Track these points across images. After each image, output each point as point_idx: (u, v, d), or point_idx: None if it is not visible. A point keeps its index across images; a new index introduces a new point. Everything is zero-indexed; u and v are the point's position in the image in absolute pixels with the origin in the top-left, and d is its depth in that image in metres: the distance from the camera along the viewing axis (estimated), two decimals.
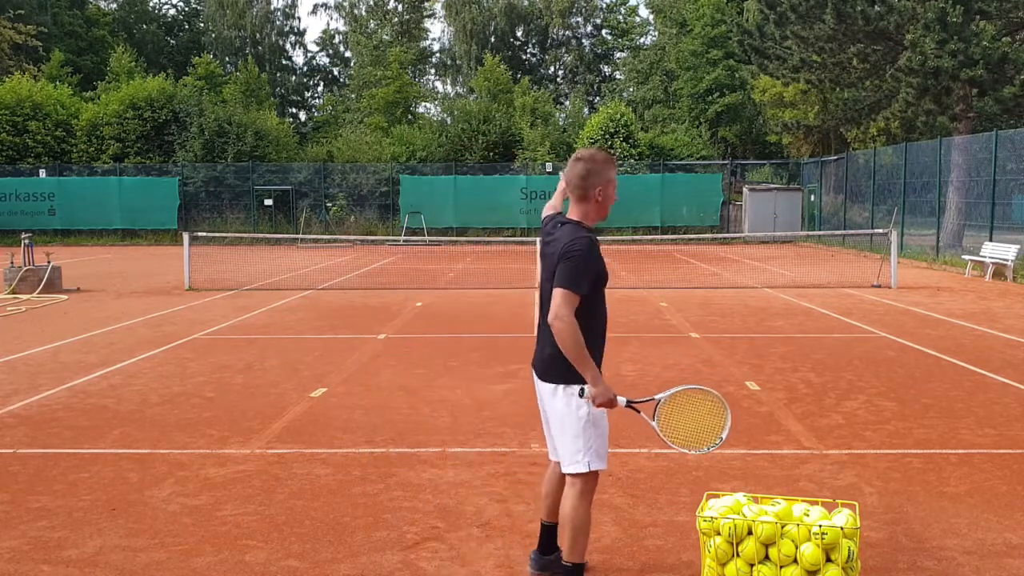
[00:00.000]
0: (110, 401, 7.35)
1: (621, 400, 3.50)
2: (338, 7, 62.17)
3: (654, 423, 3.65)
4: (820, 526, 3.37)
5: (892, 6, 21.05)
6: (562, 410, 3.59)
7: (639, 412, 3.65)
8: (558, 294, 3.41)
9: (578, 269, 3.42)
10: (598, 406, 3.46)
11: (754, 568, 3.43)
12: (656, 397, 3.69)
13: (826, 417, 6.67)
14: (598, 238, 3.66)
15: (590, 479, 3.61)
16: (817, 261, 21.93)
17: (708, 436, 3.67)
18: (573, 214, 3.65)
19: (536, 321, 11.93)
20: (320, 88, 63.29)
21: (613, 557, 4.14)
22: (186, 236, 16.84)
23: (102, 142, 34.46)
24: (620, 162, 32.69)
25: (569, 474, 3.63)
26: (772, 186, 32.10)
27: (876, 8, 21.34)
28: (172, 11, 59.95)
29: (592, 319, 3.54)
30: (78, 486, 5.20)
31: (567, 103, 52.35)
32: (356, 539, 4.38)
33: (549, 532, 3.91)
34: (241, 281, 17.10)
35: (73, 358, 9.31)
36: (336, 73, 62.57)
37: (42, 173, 32.80)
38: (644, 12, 57.23)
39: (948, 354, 9.22)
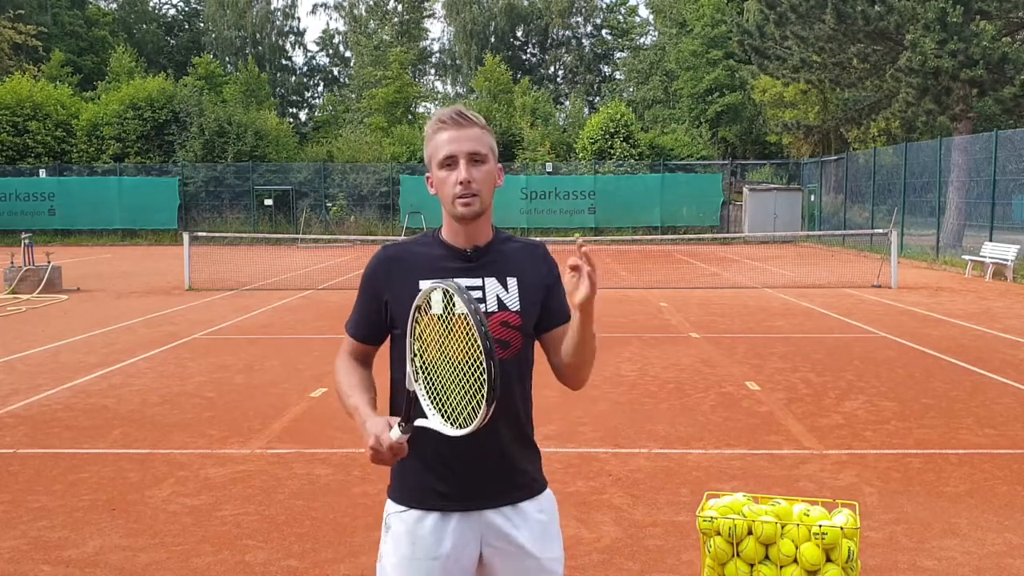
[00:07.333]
0: (110, 401, 7.34)
1: (392, 435, 2.03)
2: (338, 7, 62.16)
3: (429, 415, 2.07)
4: (820, 526, 3.37)
5: (892, 6, 21.04)
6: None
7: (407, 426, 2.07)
8: None
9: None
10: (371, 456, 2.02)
11: (754, 568, 3.43)
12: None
13: (826, 417, 6.67)
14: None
15: None
16: (817, 261, 21.91)
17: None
18: None
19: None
20: (320, 88, 63.25)
21: (613, 557, 4.13)
22: (186, 236, 16.84)
23: (102, 142, 34.45)
24: (620, 162, 32.73)
25: None
26: (772, 186, 32.07)
27: (876, 8, 21.34)
28: (172, 11, 59.93)
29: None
30: (78, 486, 5.20)
31: (567, 103, 52.30)
32: (356, 539, 4.38)
33: None
34: (241, 281, 17.09)
35: (73, 358, 9.30)
36: (336, 73, 62.52)
37: (42, 173, 32.78)
38: (644, 12, 57.31)
39: (948, 354, 9.22)
